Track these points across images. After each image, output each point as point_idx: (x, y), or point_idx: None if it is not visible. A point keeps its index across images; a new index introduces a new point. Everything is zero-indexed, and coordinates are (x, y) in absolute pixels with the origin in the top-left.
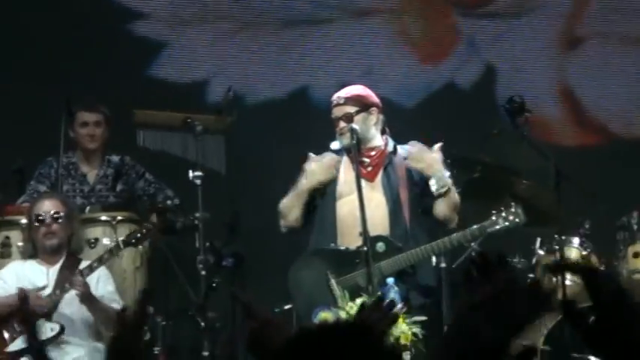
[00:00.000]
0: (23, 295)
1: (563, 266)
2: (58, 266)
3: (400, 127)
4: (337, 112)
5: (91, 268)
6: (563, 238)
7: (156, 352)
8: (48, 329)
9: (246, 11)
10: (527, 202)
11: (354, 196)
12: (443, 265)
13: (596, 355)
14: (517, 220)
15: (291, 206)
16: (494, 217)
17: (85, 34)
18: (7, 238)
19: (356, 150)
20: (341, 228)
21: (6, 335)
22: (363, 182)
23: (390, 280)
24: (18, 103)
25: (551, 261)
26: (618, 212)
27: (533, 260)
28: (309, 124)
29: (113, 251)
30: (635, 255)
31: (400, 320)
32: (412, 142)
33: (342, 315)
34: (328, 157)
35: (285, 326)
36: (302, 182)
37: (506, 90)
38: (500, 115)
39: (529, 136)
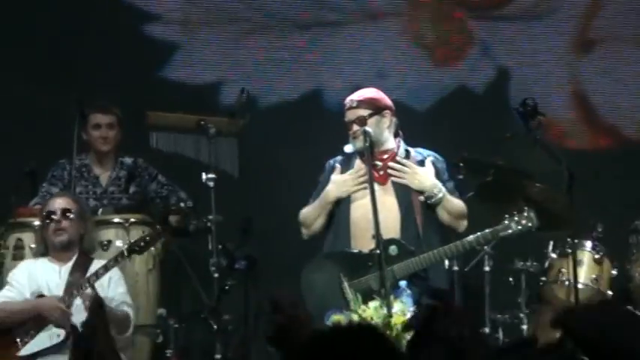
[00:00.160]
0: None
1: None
2: (70, 264)
3: (413, 130)
4: (350, 115)
5: (97, 275)
6: (576, 241)
7: (168, 355)
8: (54, 335)
9: (260, 14)
10: (540, 206)
11: (367, 199)
12: (455, 268)
13: None
14: (530, 224)
15: (316, 216)
16: (506, 222)
17: (98, 35)
18: (20, 240)
19: (369, 153)
20: (354, 231)
21: (17, 340)
22: (376, 186)
23: (403, 283)
24: (31, 105)
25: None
26: (631, 215)
27: (546, 264)
28: (322, 126)
29: (118, 259)
30: None
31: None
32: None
33: (355, 318)
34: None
35: (310, 323)
36: (329, 192)
37: (519, 93)
38: (513, 118)
39: (542, 139)
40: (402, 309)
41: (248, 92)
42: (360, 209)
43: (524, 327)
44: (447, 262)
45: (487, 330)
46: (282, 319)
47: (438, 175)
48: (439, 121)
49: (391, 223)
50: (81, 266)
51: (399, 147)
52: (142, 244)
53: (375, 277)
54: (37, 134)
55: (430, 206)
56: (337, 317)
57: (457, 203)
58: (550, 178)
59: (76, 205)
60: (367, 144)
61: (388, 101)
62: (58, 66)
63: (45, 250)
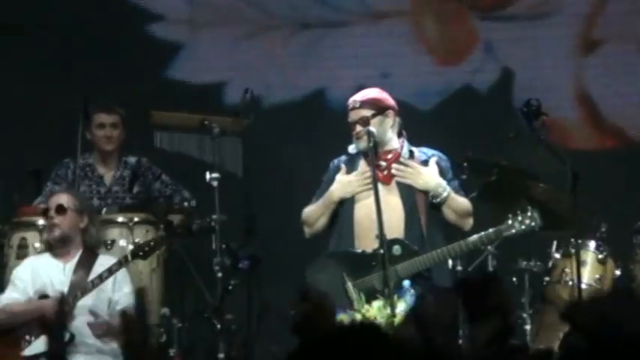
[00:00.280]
0: (61, 301)
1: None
2: (74, 261)
3: (417, 130)
4: (353, 115)
5: (101, 278)
6: (580, 241)
7: (172, 354)
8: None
9: (264, 14)
10: (544, 206)
11: (371, 199)
12: (459, 268)
13: None
14: (533, 224)
15: (319, 215)
16: (510, 221)
17: (102, 35)
18: (24, 239)
19: (373, 153)
20: (358, 231)
21: (21, 339)
22: (380, 185)
23: (406, 283)
24: (35, 104)
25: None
26: (634, 216)
27: (550, 264)
28: (326, 126)
29: (122, 262)
30: None
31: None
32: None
33: (358, 317)
34: (364, 172)
35: (334, 314)
36: (333, 192)
37: (523, 93)
38: (517, 118)
39: (546, 139)
40: (406, 309)
41: (252, 92)
42: (363, 209)
43: (528, 327)
44: (450, 262)
45: None
46: (309, 307)
47: (442, 174)
48: (443, 121)
49: (395, 223)
50: (85, 263)
51: (402, 147)
52: (147, 249)
53: (378, 276)
54: (41, 134)
55: (435, 206)
56: (341, 317)
57: (462, 201)
58: (554, 178)
59: (73, 200)
60: (371, 144)
61: (391, 101)
62: (62, 65)
63: (49, 247)
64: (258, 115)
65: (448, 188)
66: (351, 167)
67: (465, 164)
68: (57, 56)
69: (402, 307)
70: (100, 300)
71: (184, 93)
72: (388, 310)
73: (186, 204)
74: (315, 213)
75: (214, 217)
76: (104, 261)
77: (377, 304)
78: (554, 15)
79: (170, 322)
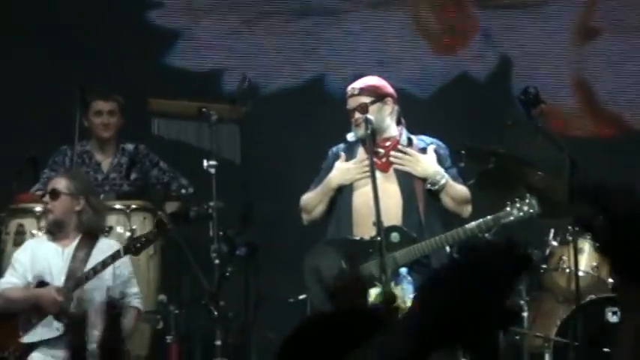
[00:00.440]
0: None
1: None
2: (73, 246)
3: (415, 117)
4: (352, 102)
5: (95, 271)
6: (577, 229)
7: (168, 341)
8: (54, 328)
9: (262, 1)
10: (542, 194)
11: (370, 187)
12: (456, 255)
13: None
14: (531, 210)
15: (317, 202)
16: (508, 208)
17: (100, 22)
18: (21, 225)
19: (371, 141)
20: (356, 218)
21: (20, 325)
22: (378, 173)
23: (403, 270)
24: (32, 91)
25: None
26: None
27: (547, 251)
28: (324, 114)
29: (115, 257)
30: None
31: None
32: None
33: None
34: (363, 160)
35: (365, 297)
36: (332, 179)
37: (521, 81)
38: (515, 106)
39: (544, 127)
40: (403, 295)
41: (250, 79)
42: (361, 196)
43: (525, 314)
44: (448, 249)
45: None
46: (352, 280)
47: (440, 162)
48: (441, 108)
49: (393, 210)
50: (83, 249)
51: (401, 134)
52: (138, 245)
53: (376, 263)
54: (39, 121)
55: (433, 193)
56: None
57: (460, 189)
58: (552, 166)
59: (67, 184)
60: (369, 131)
61: (390, 89)
62: (59, 52)
63: (49, 231)
64: (256, 103)
65: (446, 176)
66: (349, 155)
67: (463, 152)
68: (54, 43)
69: (399, 293)
70: (97, 288)
71: (182, 80)
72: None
73: (183, 191)
74: (313, 200)
75: (212, 204)
76: (103, 246)
77: (374, 291)
78: (552, 3)
79: (167, 309)
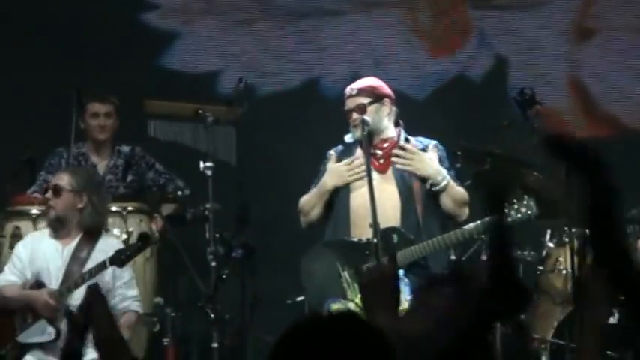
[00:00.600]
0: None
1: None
2: (73, 245)
3: (411, 119)
4: (350, 103)
5: (83, 279)
6: (573, 230)
7: (165, 343)
8: (46, 332)
9: (258, 2)
10: (538, 194)
11: (367, 188)
12: (453, 257)
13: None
14: (529, 212)
15: (313, 204)
16: (506, 210)
17: (96, 23)
18: (18, 228)
19: (367, 142)
20: (354, 220)
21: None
22: (376, 174)
23: (400, 272)
24: (28, 93)
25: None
26: (628, 205)
27: (543, 253)
28: (320, 115)
29: (100, 267)
30: None
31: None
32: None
33: (352, 307)
34: (357, 161)
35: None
36: (326, 181)
37: (517, 82)
38: (510, 106)
39: (539, 127)
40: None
41: (246, 81)
42: (359, 198)
43: (522, 316)
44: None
45: None
46: (388, 267)
47: (439, 163)
48: (437, 110)
49: (391, 212)
50: (84, 249)
51: (399, 136)
52: (123, 257)
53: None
54: (35, 122)
55: (433, 194)
56: (337, 305)
57: (459, 190)
58: (547, 166)
59: (70, 180)
60: (365, 133)
61: (388, 90)
62: (55, 54)
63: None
64: (252, 104)
65: (448, 176)
66: (347, 156)
67: (459, 153)
68: (50, 45)
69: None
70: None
71: (178, 82)
72: None
73: (179, 193)
74: (309, 202)
75: (208, 206)
76: (105, 246)
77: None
78: (548, 3)
79: (164, 312)
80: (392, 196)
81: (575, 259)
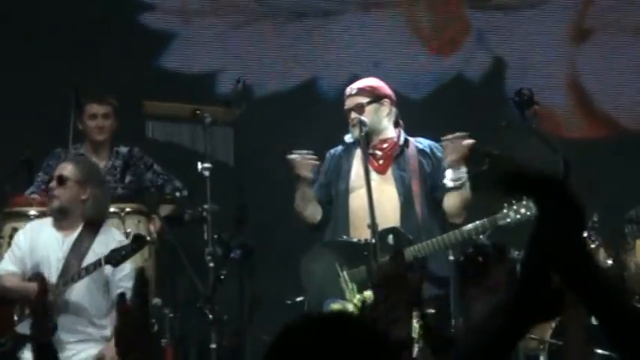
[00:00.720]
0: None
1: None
2: (74, 236)
3: (409, 119)
4: (349, 103)
5: (79, 275)
6: None
7: (163, 344)
8: None
9: (256, 3)
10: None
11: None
12: (451, 257)
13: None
14: (528, 212)
15: (299, 200)
16: (505, 210)
17: (94, 24)
18: (15, 229)
19: (365, 142)
20: (353, 220)
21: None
22: (375, 175)
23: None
24: (26, 93)
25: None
26: (627, 205)
27: None
28: (318, 116)
29: (96, 265)
30: None
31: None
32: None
33: (350, 307)
34: (307, 156)
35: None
36: (295, 176)
37: (515, 82)
38: (509, 107)
39: (537, 128)
40: None
41: (244, 81)
42: (358, 199)
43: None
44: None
45: None
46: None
47: (438, 164)
48: (435, 110)
49: (391, 213)
50: (84, 241)
51: (399, 136)
52: (118, 257)
53: (372, 266)
54: (33, 123)
55: (437, 194)
56: (336, 306)
57: (469, 192)
58: (545, 167)
59: (75, 171)
60: (362, 133)
61: (388, 90)
62: (53, 55)
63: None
64: (250, 105)
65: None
66: (347, 156)
67: None
68: (48, 45)
69: None
70: (95, 280)
71: (176, 82)
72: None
73: (177, 194)
74: (297, 199)
75: (206, 206)
76: (105, 239)
77: (368, 293)
78: (546, 4)
79: (162, 312)
80: (391, 197)
81: None
